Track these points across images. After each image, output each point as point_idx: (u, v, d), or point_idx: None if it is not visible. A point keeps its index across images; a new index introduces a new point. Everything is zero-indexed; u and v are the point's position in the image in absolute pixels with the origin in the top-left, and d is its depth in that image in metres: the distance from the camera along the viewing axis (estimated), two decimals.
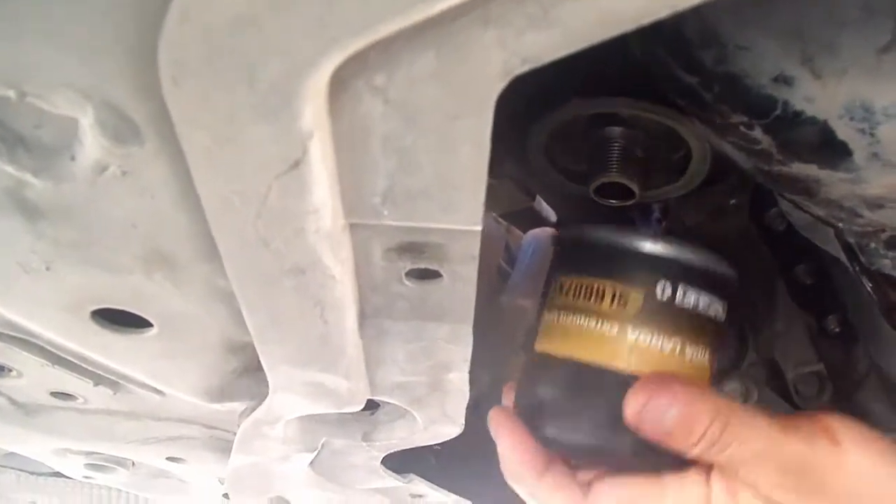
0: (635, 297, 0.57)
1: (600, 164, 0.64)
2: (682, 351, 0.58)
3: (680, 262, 0.58)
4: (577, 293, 0.59)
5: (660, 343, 0.57)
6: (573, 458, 0.62)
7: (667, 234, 0.61)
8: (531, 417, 0.61)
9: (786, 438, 0.55)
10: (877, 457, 0.55)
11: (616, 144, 0.64)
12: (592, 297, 0.58)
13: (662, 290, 0.57)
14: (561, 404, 0.59)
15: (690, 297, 0.58)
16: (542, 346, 0.60)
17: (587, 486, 0.65)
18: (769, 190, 0.75)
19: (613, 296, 0.58)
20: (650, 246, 0.58)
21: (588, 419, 0.58)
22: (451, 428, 0.68)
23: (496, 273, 0.67)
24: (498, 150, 0.69)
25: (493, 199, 0.82)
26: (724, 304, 0.61)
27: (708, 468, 0.61)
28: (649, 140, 0.64)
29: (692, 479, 0.61)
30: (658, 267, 0.58)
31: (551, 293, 0.61)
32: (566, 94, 0.64)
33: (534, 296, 0.80)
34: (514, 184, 0.78)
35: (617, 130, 0.64)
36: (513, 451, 0.62)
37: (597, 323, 0.57)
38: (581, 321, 0.58)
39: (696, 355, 0.59)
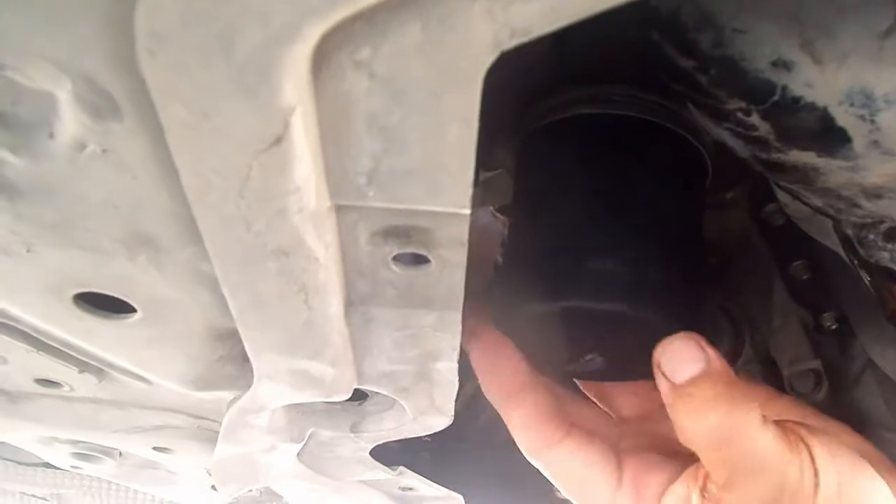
0: None
1: None
2: None
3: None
4: None
5: None
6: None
7: None
8: (508, 307, 0.61)
9: (776, 457, 0.54)
10: (854, 492, 0.55)
11: None
12: None
13: None
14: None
15: None
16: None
17: (564, 432, 0.65)
18: (767, 185, 0.74)
19: None
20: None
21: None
22: (440, 419, 0.67)
23: (494, 268, 0.66)
24: (491, 140, 0.69)
25: (489, 191, 0.81)
26: None
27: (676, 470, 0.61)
28: None
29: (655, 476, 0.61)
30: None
31: None
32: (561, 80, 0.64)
33: None
34: (510, 175, 0.77)
35: None
36: (497, 369, 0.64)
37: None
38: None
39: None
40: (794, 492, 0.54)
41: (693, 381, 0.54)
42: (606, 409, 0.70)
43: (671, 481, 0.62)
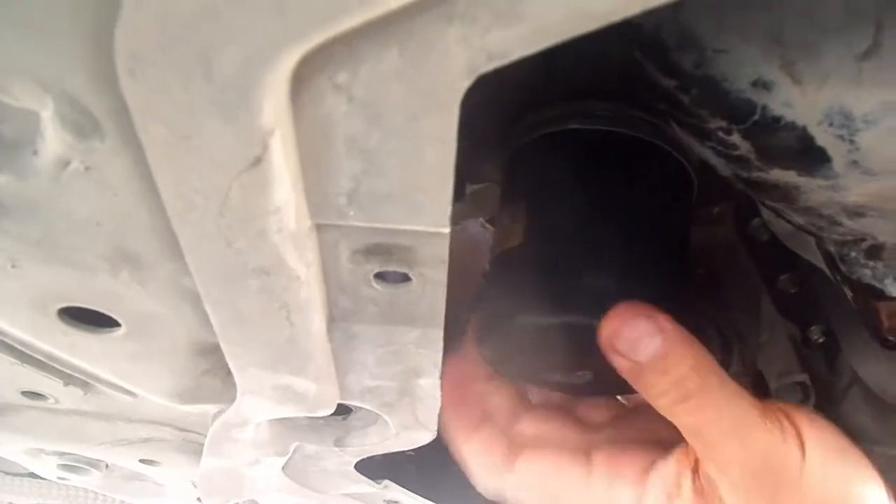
0: None
1: None
2: None
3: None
4: None
5: None
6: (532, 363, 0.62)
7: None
8: (497, 317, 0.61)
9: (760, 425, 0.53)
10: (840, 470, 0.54)
11: None
12: None
13: None
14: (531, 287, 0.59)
15: None
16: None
17: (516, 454, 0.64)
18: (752, 201, 0.75)
19: None
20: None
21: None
22: (423, 434, 0.67)
23: (482, 277, 0.66)
24: (478, 154, 0.69)
25: (477, 204, 0.81)
26: None
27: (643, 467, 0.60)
28: None
29: (624, 475, 0.61)
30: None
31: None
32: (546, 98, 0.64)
33: None
34: (497, 188, 0.77)
35: None
36: (451, 403, 0.62)
37: None
38: None
39: None
40: (778, 463, 0.53)
41: (658, 358, 0.54)
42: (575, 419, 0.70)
43: (652, 461, 0.61)
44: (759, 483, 0.54)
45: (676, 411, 0.55)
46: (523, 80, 0.64)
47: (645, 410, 0.65)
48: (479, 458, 0.65)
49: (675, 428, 0.57)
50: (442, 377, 0.59)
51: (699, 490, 0.57)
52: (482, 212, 0.86)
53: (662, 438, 0.61)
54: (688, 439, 0.56)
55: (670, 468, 0.59)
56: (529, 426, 0.67)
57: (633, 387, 0.56)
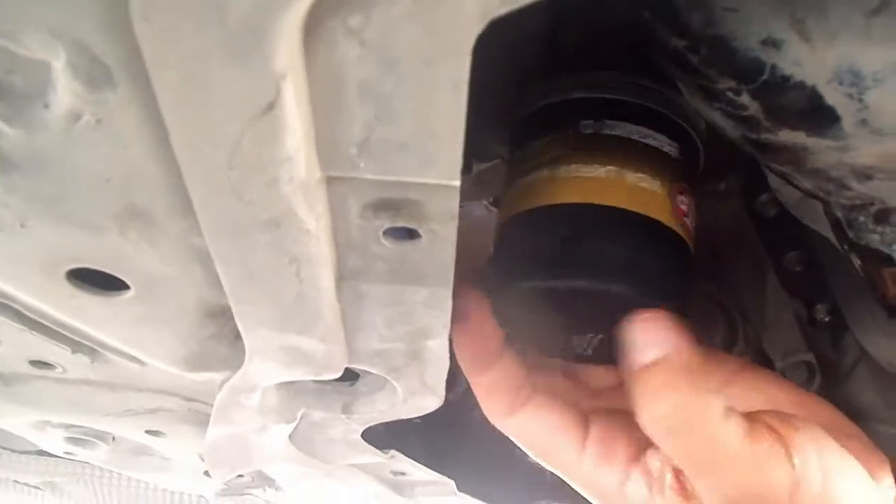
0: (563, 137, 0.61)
1: None
2: (621, 175, 0.59)
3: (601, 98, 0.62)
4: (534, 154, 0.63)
5: (593, 171, 0.59)
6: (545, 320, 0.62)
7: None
8: (512, 276, 0.61)
9: (747, 458, 0.53)
10: (837, 479, 0.54)
11: None
12: (542, 154, 0.62)
13: (585, 126, 0.61)
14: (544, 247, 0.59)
15: (616, 128, 0.61)
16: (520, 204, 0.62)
17: (523, 401, 0.65)
18: (759, 175, 0.75)
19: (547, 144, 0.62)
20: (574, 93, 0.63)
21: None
22: (431, 400, 0.67)
23: (488, 259, 0.66)
24: (485, 130, 0.69)
25: (482, 185, 0.82)
26: (669, 140, 0.62)
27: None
28: None
29: (614, 458, 0.62)
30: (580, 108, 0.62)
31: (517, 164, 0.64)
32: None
33: None
34: (504, 165, 0.77)
35: None
36: (469, 336, 0.62)
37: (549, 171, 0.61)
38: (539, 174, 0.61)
39: (643, 182, 0.60)
40: (765, 490, 0.53)
41: (652, 365, 0.54)
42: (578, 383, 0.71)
43: (640, 449, 0.62)
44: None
45: (658, 433, 0.55)
46: (527, 52, 0.64)
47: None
48: (489, 395, 0.66)
49: None
50: (460, 308, 0.59)
51: (681, 488, 0.58)
52: (488, 193, 0.86)
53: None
54: (663, 450, 0.57)
55: (656, 461, 0.60)
56: (542, 375, 0.68)
57: (624, 386, 0.56)
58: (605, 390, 0.69)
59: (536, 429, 0.66)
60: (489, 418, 0.67)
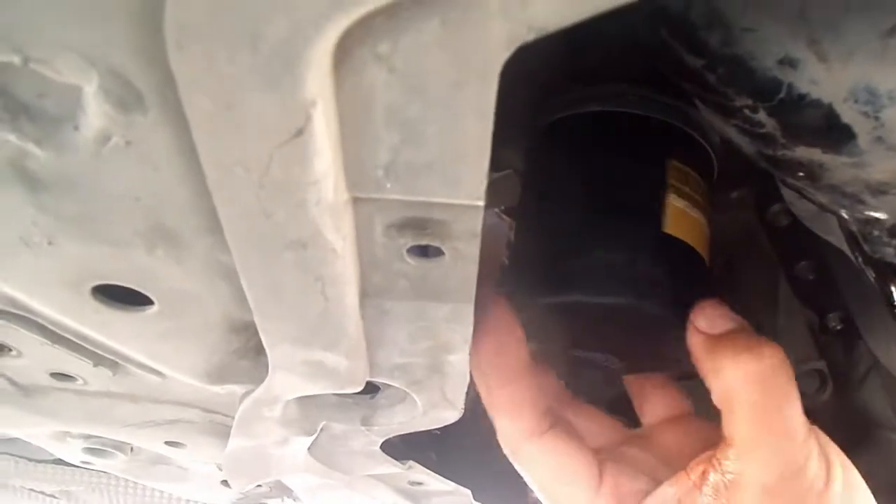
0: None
1: None
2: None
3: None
4: None
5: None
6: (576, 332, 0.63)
7: None
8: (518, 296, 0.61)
9: (802, 441, 0.56)
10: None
11: None
12: None
13: None
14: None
15: None
16: None
17: (545, 427, 0.64)
18: (773, 185, 0.75)
19: None
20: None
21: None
22: (451, 412, 0.67)
23: (501, 269, 0.67)
24: (500, 141, 0.70)
25: (495, 193, 0.82)
26: None
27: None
28: None
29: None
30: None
31: None
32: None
33: None
34: (517, 175, 0.78)
35: None
36: (492, 349, 0.61)
37: None
38: None
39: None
40: (807, 476, 0.56)
41: (729, 333, 0.57)
42: (636, 409, 0.71)
43: (647, 492, 0.63)
44: (783, 490, 0.56)
45: (733, 394, 0.57)
46: (546, 65, 0.65)
47: (650, 436, 0.68)
48: (507, 413, 0.64)
49: (676, 456, 0.62)
50: (488, 318, 0.59)
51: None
52: (500, 201, 0.87)
53: (658, 474, 0.64)
54: (728, 429, 0.58)
55: (670, 491, 0.62)
56: (566, 409, 0.68)
57: (703, 364, 0.58)
58: (615, 443, 0.70)
59: (555, 462, 0.64)
60: (504, 441, 0.65)
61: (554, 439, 0.64)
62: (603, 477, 0.64)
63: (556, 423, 0.65)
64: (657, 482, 0.63)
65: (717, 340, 0.57)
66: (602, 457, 0.66)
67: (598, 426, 0.69)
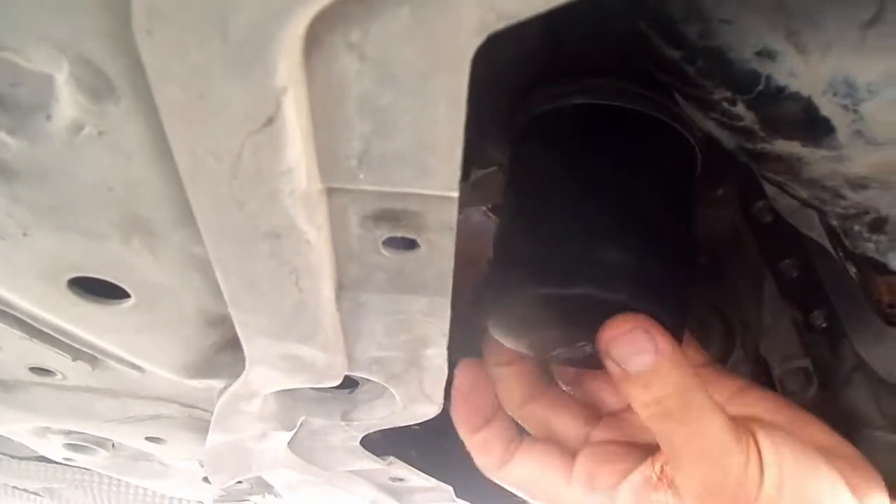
0: None
1: None
2: None
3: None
4: None
5: None
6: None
7: None
8: (501, 289, 0.62)
9: (728, 449, 0.56)
10: (797, 493, 0.57)
11: None
12: None
13: None
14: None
15: None
16: None
17: (512, 452, 0.69)
18: (756, 182, 0.75)
19: None
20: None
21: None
22: (430, 407, 0.68)
23: (486, 264, 0.67)
24: (483, 137, 0.70)
25: (480, 190, 0.82)
26: None
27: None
28: None
29: (599, 485, 0.65)
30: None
31: None
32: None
33: None
34: (502, 172, 0.78)
35: None
36: (462, 397, 0.68)
37: None
38: None
39: None
40: (737, 483, 0.56)
41: (647, 373, 0.57)
42: (592, 403, 0.72)
43: (628, 469, 0.64)
44: (716, 498, 0.57)
45: (654, 423, 0.58)
46: (525, 60, 0.65)
47: (624, 419, 0.70)
48: (481, 452, 0.70)
49: (650, 438, 0.61)
50: (461, 375, 0.66)
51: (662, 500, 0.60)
52: (486, 199, 0.86)
53: (642, 442, 0.66)
54: (661, 446, 0.60)
55: (637, 478, 0.63)
56: (538, 410, 0.71)
57: (619, 392, 0.60)
58: (618, 411, 0.71)
59: (527, 472, 0.69)
60: (485, 472, 0.71)
61: (522, 456, 0.69)
62: (575, 467, 0.68)
63: (520, 445, 0.70)
64: (631, 465, 0.64)
65: (628, 380, 0.57)
66: (575, 446, 0.69)
67: (570, 415, 0.71)
